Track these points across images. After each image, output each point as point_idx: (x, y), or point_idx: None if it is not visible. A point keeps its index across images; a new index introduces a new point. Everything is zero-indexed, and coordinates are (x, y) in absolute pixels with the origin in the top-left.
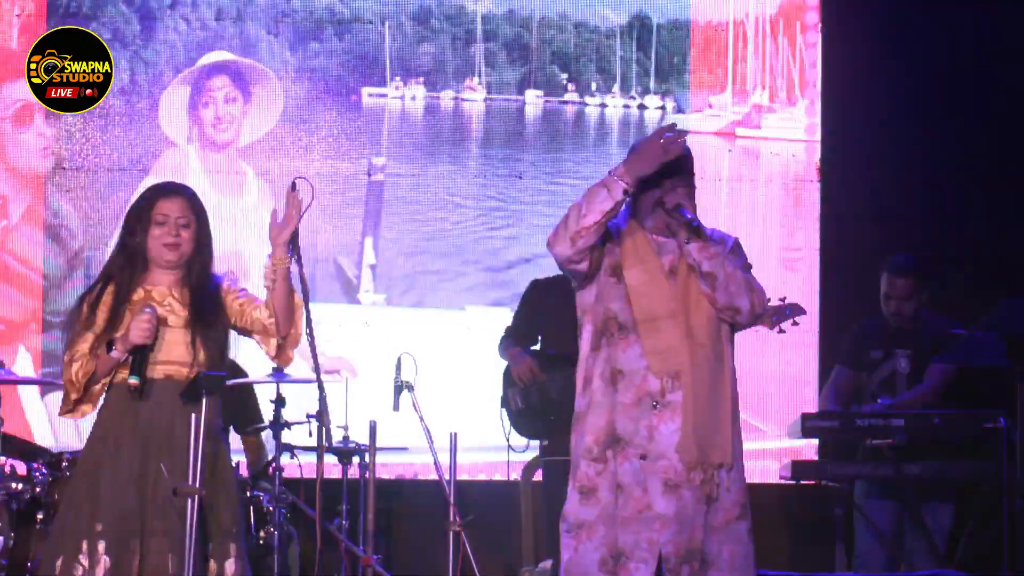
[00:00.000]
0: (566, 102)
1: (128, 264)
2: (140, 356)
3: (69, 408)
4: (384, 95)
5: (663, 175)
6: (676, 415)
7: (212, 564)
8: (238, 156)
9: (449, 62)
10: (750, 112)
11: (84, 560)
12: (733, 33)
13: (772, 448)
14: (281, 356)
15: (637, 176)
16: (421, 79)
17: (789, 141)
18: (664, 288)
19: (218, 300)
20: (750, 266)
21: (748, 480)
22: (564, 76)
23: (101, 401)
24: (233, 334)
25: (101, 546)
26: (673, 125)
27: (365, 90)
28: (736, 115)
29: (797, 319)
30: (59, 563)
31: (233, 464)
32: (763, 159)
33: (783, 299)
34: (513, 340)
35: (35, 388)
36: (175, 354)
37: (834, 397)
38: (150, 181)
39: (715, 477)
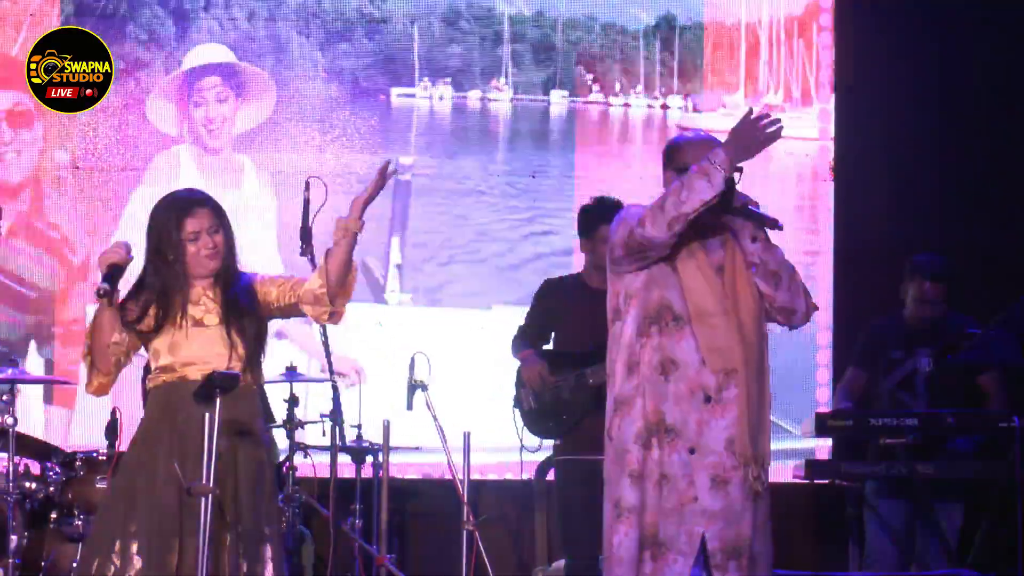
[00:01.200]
0: (590, 102)
1: (167, 286)
2: (110, 271)
3: (90, 380)
4: (412, 95)
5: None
6: (729, 412)
7: (243, 564)
8: (234, 151)
9: (476, 62)
10: (773, 110)
11: (116, 560)
12: (750, 34)
13: (783, 448)
14: (334, 318)
15: (737, 164)
16: (449, 79)
17: (803, 140)
18: (715, 285)
19: (251, 293)
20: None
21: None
22: (589, 77)
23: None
24: None
25: (134, 547)
26: (765, 110)
27: (394, 90)
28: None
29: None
30: (95, 564)
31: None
32: (777, 159)
33: None
34: (525, 340)
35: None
36: (213, 352)
37: (846, 399)
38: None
39: (760, 475)
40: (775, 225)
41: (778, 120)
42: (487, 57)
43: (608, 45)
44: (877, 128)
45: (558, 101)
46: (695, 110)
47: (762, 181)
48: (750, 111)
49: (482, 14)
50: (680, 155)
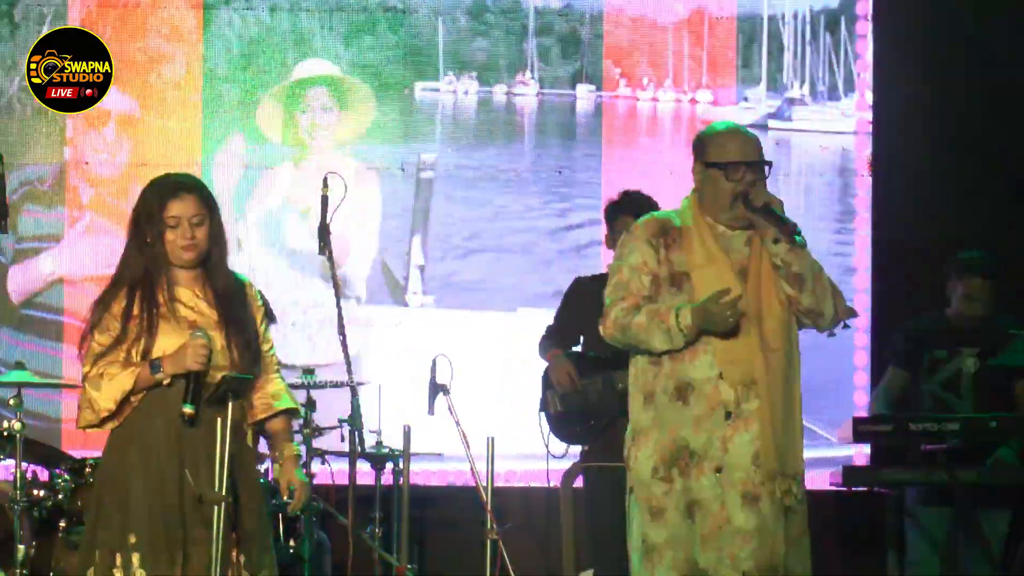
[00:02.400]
0: (618, 96)
1: (148, 270)
2: (195, 383)
3: (93, 423)
4: (436, 89)
5: (745, 166)
6: (752, 425)
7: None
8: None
9: (502, 56)
10: (784, 104)
11: (119, 575)
12: (777, 26)
13: (819, 456)
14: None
15: (699, 331)
16: (474, 74)
17: (837, 134)
18: (736, 290)
19: (245, 300)
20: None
21: None
22: (617, 71)
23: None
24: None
25: (136, 559)
26: (728, 290)
27: (418, 84)
28: (770, 108)
29: (849, 322)
30: None
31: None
32: (811, 153)
33: None
34: (554, 340)
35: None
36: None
37: (886, 400)
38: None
39: (792, 487)
40: (791, 233)
41: (736, 307)
42: (513, 51)
43: (637, 39)
44: (917, 122)
45: (584, 96)
46: (716, 104)
47: (796, 178)
48: (724, 291)
49: (508, 7)
50: (707, 148)
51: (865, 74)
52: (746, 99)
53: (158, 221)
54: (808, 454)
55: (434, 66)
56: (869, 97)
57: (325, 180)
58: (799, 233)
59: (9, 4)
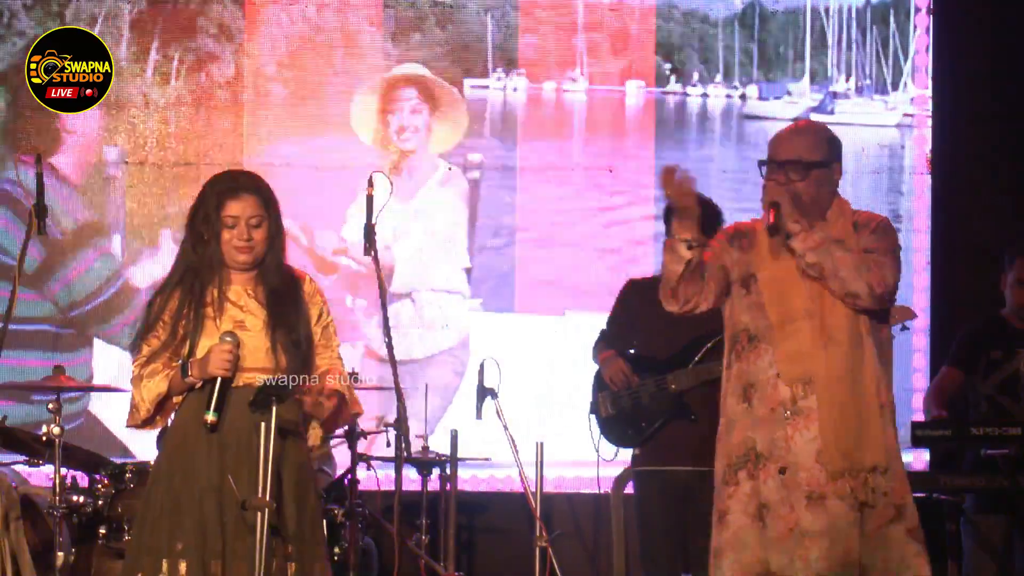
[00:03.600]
0: (668, 92)
1: (201, 269)
2: (221, 389)
3: (137, 424)
4: (486, 86)
5: (778, 165)
6: (812, 422)
7: None
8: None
9: (551, 52)
10: (827, 97)
11: None
12: (821, 20)
13: None
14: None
15: (689, 225)
16: (523, 70)
17: (893, 128)
18: (800, 286)
19: (298, 299)
20: (898, 248)
21: None
22: (667, 66)
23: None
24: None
25: (183, 566)
26: (673, 167)
27: (467, 82)
28: (813, 101)
29: (907, 323)
30: None
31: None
32: (868, 149)
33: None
34: (607, 343)
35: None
36: (254, 360)
37: (938, 399)
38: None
39: (869, 481)
40: (774, 230)
41: (675, 169)
42: (562, 47)
43: (688, 34)
44: (978, 118)
45: (634, 91)
46: (760, 98)
47: (855, 178)
48: (668, 169)
49: (558, 2)
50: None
51: (924, 68)
52: (789, 93)
53: (215, 219)
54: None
55: (483, 63)
56: (930, 91)
57: (371, 180)
58: (779, 229)
59: (60, 5)
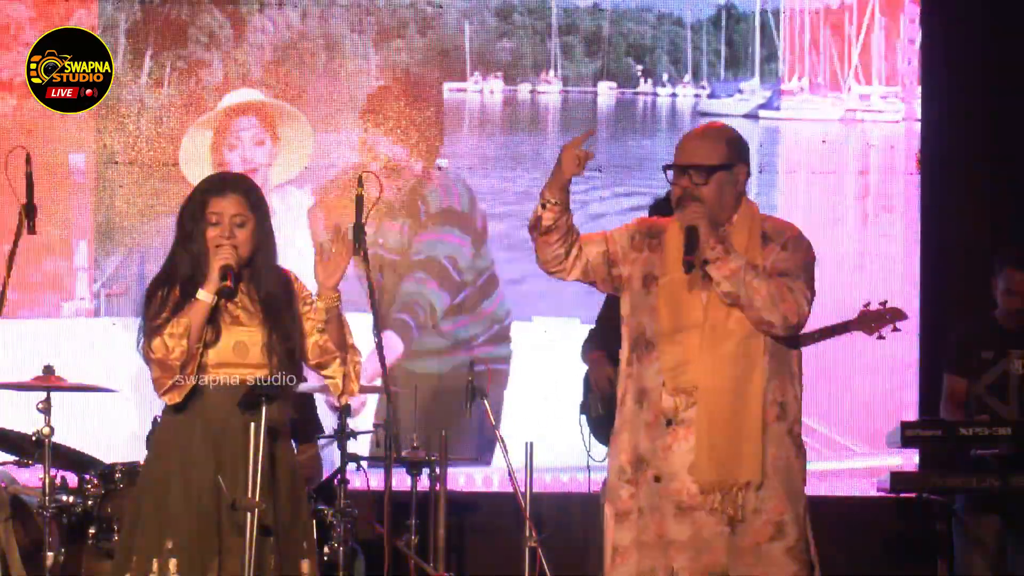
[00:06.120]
0: (639, 93)
1: (192, 267)
2: (232, 272)
3: (171, 378)
4: (464, 90)
5: (681, 169)
6: (690, 434)
7: None
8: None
9: (527, 55)
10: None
11: None
12: (823, 19)
13: (863, 466)
14: (347, 387)
15: (552, 185)
16: (500, 73)
17: (888, 123)
18: (696, 296)
19: (290, 297)
20: (811, 262)
21: (842, 494)
22: (639, 68)
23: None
24: None
25: (173, 564)
26: (586, 136)
27: (446, 85)
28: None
29: (898, 325)
30: None
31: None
32: (854, 150)
33: (883, 303)
34: (595, 343)
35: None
36: (249, 357)
37: (955, 411)
38: None
39: (738, 497)
40: (687, 262)
41: (587, 138)
42: (538, 49)
43: (659, 36)
44: (964, 117)
45: (605, 92)
46: (712, 96)
47: (838, 178)
48: (584, 137)
49: (535, 5)
50: None
51: (909, 65)
52: (740, 91)
53: (200, 217)
54: (845, 464)
55: (462, 67)
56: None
57: (360, 179)
58: (694, 264)
59: (61, 17)
